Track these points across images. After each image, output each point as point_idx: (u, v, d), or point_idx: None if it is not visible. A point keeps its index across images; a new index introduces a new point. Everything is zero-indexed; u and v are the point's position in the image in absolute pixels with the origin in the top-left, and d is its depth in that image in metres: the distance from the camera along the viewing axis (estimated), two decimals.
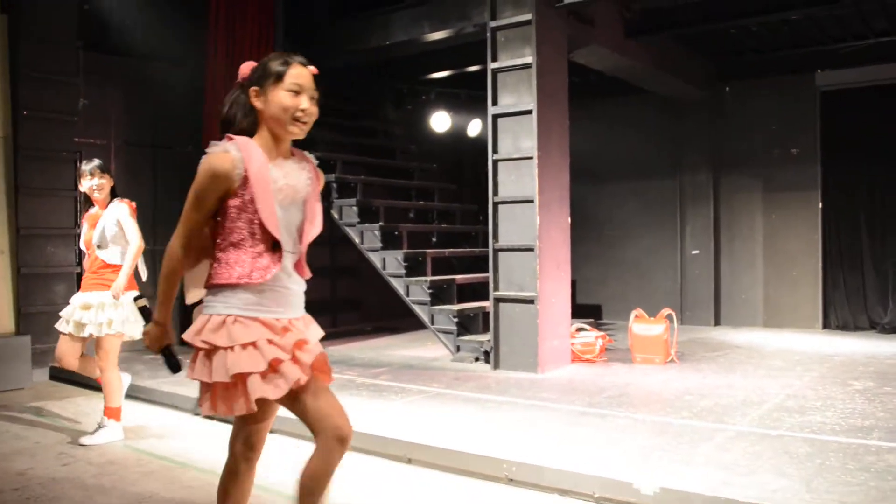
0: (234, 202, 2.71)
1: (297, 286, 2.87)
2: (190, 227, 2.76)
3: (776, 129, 10.79)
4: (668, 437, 5.01)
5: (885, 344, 9.02)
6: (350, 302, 11.43)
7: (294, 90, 2.78)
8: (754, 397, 6.16)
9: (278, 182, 2.75)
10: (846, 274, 10.37)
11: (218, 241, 2.78)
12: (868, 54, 9.69)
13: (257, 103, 2.80)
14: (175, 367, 2.95)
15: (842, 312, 10.42)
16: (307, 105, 2.81)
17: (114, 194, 5.73)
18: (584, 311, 11.39)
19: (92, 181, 5.63)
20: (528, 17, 7.51)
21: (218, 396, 2.71)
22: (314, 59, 9.98)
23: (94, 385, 7.30)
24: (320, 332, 2.96)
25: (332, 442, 2.76)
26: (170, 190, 9.39)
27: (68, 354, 5.56)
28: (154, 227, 8.92)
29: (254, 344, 2.66)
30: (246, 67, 2.92)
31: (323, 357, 2.90)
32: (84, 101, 8.62)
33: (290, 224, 2.81)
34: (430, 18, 8.72)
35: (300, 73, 2.82)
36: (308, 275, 2.91)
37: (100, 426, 5.58)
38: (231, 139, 2.76)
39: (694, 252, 11.43)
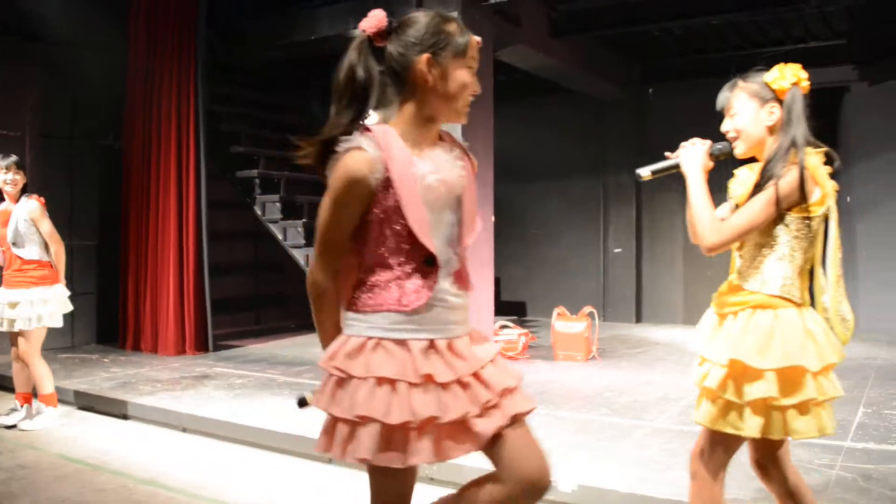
0: (375, 211, 2.11)
1: (458, 299, 2.23)
2: (332, 251, 2.16)
3: (698, 132, 10.93)
4: (588, 434, 5.07)
5: None
6: (273, 298, 11.28)
7: (472, 66, 2.19)
8: (672, 394, 6.28)
9: (427, 179, 2.14)
10: None
11: (360, 259, 2.21)
12: (786, 60, 9.91)
13: (428, 75, 2.12)
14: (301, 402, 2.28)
15: None
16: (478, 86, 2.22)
17: (23, 190, 5.78)
18: (509, 308, 11.48)
19: (6, 175, 5.65)
20: (454, 14, 7.51)
21: (335, 433, 2.11)
22: (239, 53, 9.81)
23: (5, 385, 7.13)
24: (494, 347, 2.33)
25: (518, 492, 2.15)
26: (88, 182, 9.16)
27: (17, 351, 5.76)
28: (71, 219, 8.70)
29: (392, 383, 2.06)
30: (379, 19, 2.21)
31: (512, 377, 2.32)
32: None
33: (444, 229, 2.21)
34: (356, 14, 8.63)
35: (476, 47, 2.21)
36: (471, 288, 2.28)
37: (37, 412, 5.75)
38: (367, 130, 2.11)
39: (616, 251, 11.60)
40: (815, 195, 2.55)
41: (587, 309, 8.26)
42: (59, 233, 5.82)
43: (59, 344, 8.40)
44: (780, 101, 2.67)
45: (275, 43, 9.48)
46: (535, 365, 7.79)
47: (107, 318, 9.19)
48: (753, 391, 2.50)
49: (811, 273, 2.66)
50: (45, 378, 5.73)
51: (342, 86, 2.15)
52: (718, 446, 2.64)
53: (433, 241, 2.14)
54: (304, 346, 9.12)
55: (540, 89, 11.28)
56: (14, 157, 5.72)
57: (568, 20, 9.22)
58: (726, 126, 2.78)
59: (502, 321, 8.51)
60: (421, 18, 2.17)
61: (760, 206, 2.55)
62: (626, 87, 11.20)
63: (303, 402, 2.24)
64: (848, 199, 10.14)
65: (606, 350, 8.63)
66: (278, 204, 9.14)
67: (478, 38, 2.20)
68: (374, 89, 2.15)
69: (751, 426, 2.52)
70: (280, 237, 9.09)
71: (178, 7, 8.53)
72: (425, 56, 2.11)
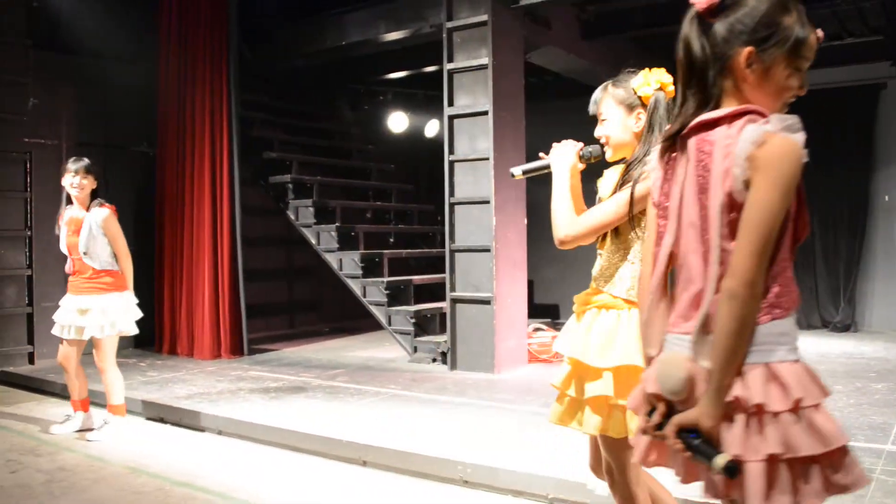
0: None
1: None
2: (770, 250, 1.74)
3: None
4: None
5: (836, 342, 9.15)
6: (307, 303, 11.36)
7: (802, 67, 1.87)
8: None
9: None
10: (799, 273, 10.43)
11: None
12: (821, 56, 9.79)
13: (747, 72, 1.81)
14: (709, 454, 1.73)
15: None
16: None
17: (94, 196, 5.74)
18: (542, 311, 11.42)
19: (74, 178, 5.63)
20: (485, 17, 7.51)
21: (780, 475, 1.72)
22: (268, 59, 9.90)
23: (46, 390, 7.23)
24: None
25: None
26: (122, 190, 9.23)
27: (71, 357, 5.68)
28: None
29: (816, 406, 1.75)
30: None
31: None
32: (34, 101, 8.45)
33: None
34: (386, 19, 8.69)
35: (815, 46, 1.88)
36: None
37: (105, 422, 5.68)
38: (758, 114, 1.78)
39: None
40: None
41: None
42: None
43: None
44: (646, 107, 2.70)
45: (304, 49, 9.58)
46: None
47: (143, 322, 9.24)
48: (592, 389, 2.58)
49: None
50: (119, 387, 5.66)
51: (682, 65, 1.92)
52: (611, 451, 2.66)
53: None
54: (338, 349, 9.16)
55: (571, 91, 11.22)
56: (85, 162, 5.67)
57: (598, 21, 9.19)
58: (597, 132, 2.80)
59: (536, 324, 8.49)
60: (753, 1, 1.82)
61: (615, 207, 2.59)
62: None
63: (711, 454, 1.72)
64: (886, 197, 10.02)
65: None
66: (311, 209, 9.19)
67: (820, 34, 1.89)
68: (711, 69, 1.85)
69: (590, 424, 2.60)
70: (313, 241, 9.14)
71: (209, 15, 8.61)
72: (747, 50, 1.80)
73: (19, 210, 8.32)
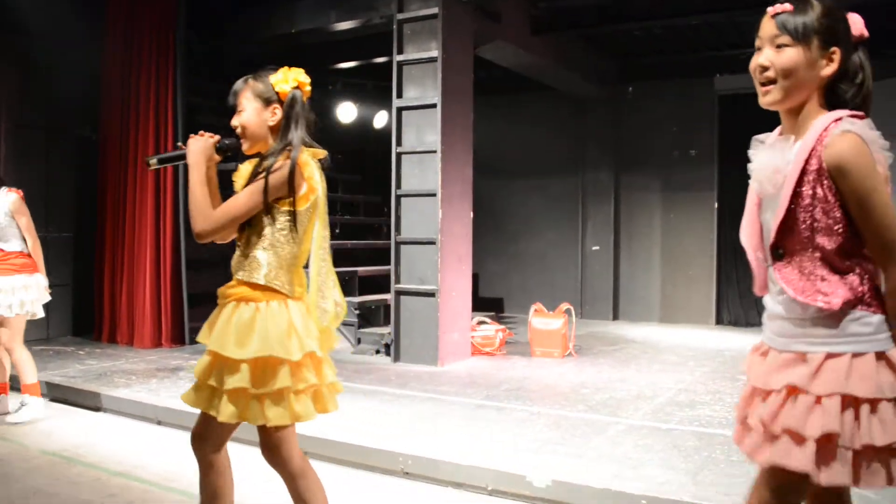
0: None
1: (777, 306, 2.12)
2: None
3: (676, 130, 11.07)
4: (563, 430, 5.09)
5: None
6: None
7: (759, 46, 2.11)
8: (647, 391, 6.32)
9: (752, 173, 2.17)
10: (739, 272, 10.70)
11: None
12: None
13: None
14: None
15: (734, 308, 10.81)
16: (764, 60, 2.07)
17: (0, 183, 5.77)
18: (487, 304, 11.49)
19: None
20: (435, 10, 7.51)
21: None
22: (217, 45, 9.75)
23: None
24: (797, 376, 2.02)
25: None
26: (64, 174, 9.08)
27: None
28: (47, 211, 8.64)
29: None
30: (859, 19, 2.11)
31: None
32: None
33: (766, 226, 2.15)
34: (337, 8, 8.63)
35: (763, 24, 2.10)
36: (791, 292, 2.05)
37: (22, 404, 5.65)
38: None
39: (594, 248, 11.64)
40: (301, 190, 2.70)
41: (564, 306, 8.29)
42: (36, 224, 5.79)
43: (35, 336, 8.32)
44: (283, 102, 2.80)
45: (253, 36, 9.46)
46: (512, 361, 7.82)
47: (83, 310, 9.13)
48: (230, 381, 2.63)
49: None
50: (29, 367, 5.65)
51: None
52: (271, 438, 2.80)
53: (750, 236, 2.19)
54: None
55: (520, 86, 11.30)
56: None
57: (548, 17, 9.26)
58: (234, 121, 2.88)
59: (480, 317, 8.53)
60: None
61: (249, 195, 2.67)
62: (605, 86, 11.24)
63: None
64: None
65: (583, 347, 8.67)
66: None
67: (770, 10, 2.07)
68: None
69: (226, 413, 2.65)
70: None
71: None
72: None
73: None
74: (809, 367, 1.98)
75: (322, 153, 2.86)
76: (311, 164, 2.76)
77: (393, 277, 7.70)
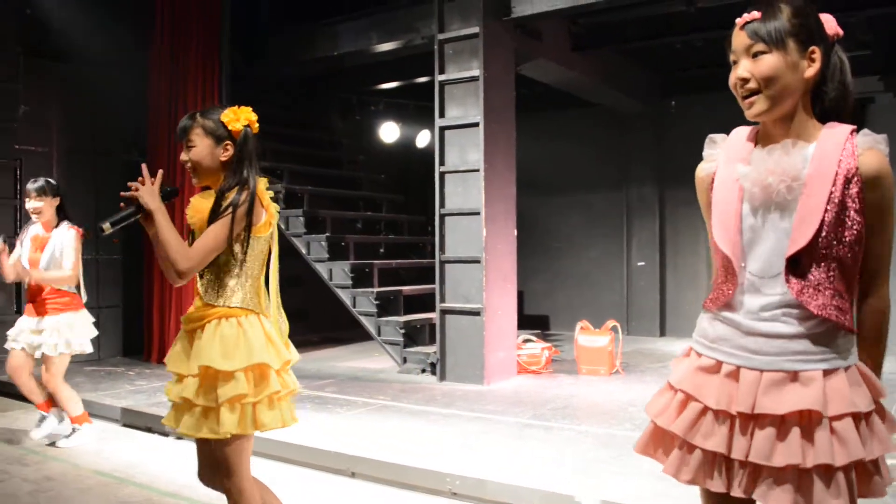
0: None
1: (758, 322, 1.97)
2: None
3: None
4: (611, 449, 5.05)
5: None
6: (296, 313, 11.15)
7: (733, 59, 2.14)
8: None
9: (747, 178, 2.09)
10: None
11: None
12: None
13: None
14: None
15: None
16: (743, 72, 2.09)
17: (63, 213, 5.65)
18: (532, 322, 11.46)
19: (29, 203, 5.54)
20: (476, 30, 7.54)
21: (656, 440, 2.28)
22: (260, 68, 9.88)
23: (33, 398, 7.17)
24: (810, 399, 1.88)
25: None
26: (113, 197, 9.16)
27: (22, 369, 5.64)
28: (95, 234, 8.77)
29: (684, 394, 2.11)
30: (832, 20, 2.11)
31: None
32: (24, 108, 8.45)
33: (759, 235, 2.01)
34: (378, 30, 8.71)
35: (734, 37, 2.12)
36: (812, 306, 1.91)
37: (74, 430, 5.70)
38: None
39: (640, 264, 11.55)
40: (262, 218, 2.94)
41: (611, 323, 8.23)
42: (85, 247, 5.79)
43: (86, 357, 8.43)
44: (235, 139, 2.95)
45: (296, 58, 9.58)
46: (559, 379, 7.77)
47: (132, 331, 9.27)
48: (227, 391, 2.76)
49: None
50: (73, 401, 5.66)
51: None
52: (224, 456, 2.85)
53: (729, 246, 2.05)
54: (326, 360, 9.15)
55: (562, 103, 11.29)
56: (40, 182, 5.52)
57: (589, 34, 9.24)
58: (183, 157, 3.01)
59: (525, 335, 8.50)
60: None
61: (220, 230, 2.81)
62: (647, 101, 11.18)
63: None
64: None
65: (630, 364, 8.59)
66: (301, 218, 9.19)
67: (739, 21, 2.09)
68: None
69: (227, 424, 2.76)
70: (304, 251, 9.13)
71: (201, 22, 8.63)
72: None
73: (9, 217, 8.31)
74: (815, 388, 1.87)
75: (270, 181, 3.11)
76: (267, 195, 2.98)
77: (438, 296, 7.71)
